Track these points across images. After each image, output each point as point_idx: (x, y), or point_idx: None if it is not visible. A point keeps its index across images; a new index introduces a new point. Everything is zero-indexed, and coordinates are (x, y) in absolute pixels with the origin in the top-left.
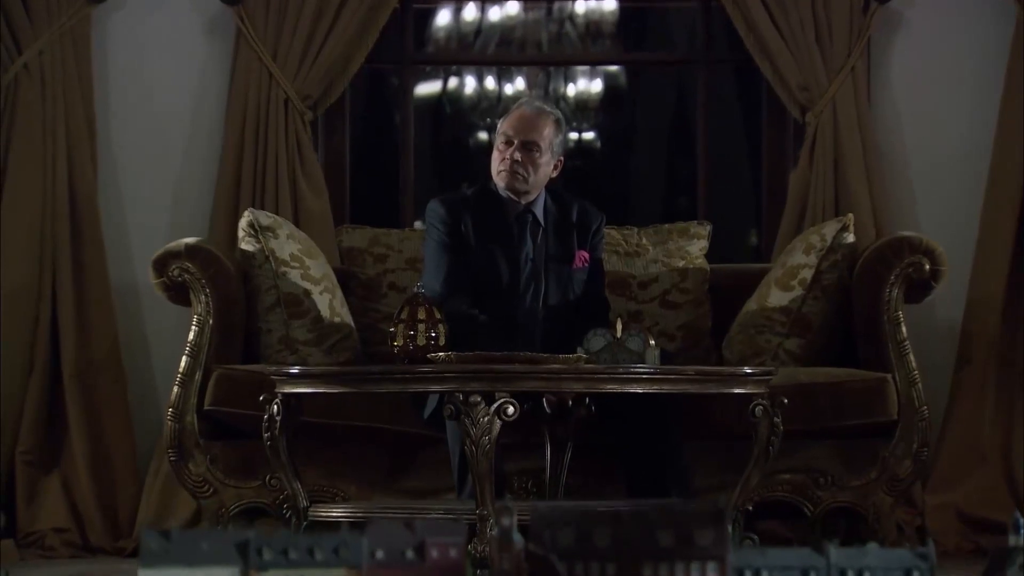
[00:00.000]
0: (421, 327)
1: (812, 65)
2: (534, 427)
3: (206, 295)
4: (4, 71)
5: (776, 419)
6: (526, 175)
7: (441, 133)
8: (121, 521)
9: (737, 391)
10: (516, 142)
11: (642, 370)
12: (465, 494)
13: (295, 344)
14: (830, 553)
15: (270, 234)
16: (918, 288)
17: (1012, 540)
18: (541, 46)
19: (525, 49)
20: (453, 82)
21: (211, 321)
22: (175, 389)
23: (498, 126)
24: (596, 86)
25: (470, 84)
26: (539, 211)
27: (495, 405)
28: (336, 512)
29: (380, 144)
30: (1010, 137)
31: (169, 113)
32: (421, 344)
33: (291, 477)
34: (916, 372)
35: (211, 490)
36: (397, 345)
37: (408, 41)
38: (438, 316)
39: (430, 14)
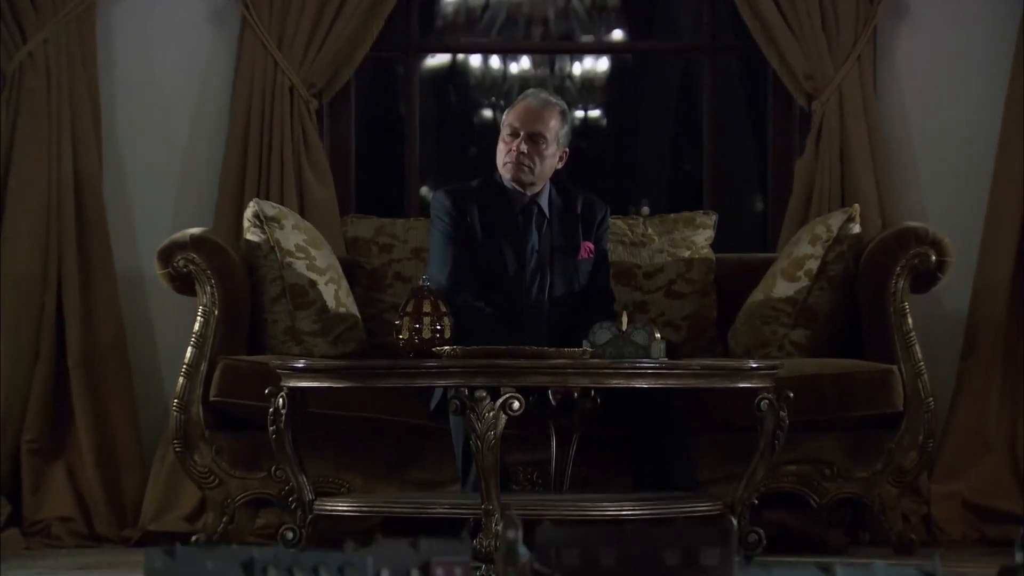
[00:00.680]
0: (426, 320)
1: (818, 53)
2: (539, 419)
3: (211, 286)
4: (9, 59)
5: (782, 413)
6: (532, 167)
7: (446, 109)
8: (127, 510)
9: (743, 385)
10: (522, 134)
11: (647, 365)
12: (469, 485)
13: (300, 335)
14: (836, 571)
15: (275, 224)
16: (924, 279)
17: (1019, 557)
18: (548, 23)
19: (532, 26)
20: (459, 56)
21: (216, 312)
22: (180, 380)
23: (503, 118)
24: (602, 64)
25: (476, 59)
26: (544, 203)
27: (500, 400)
28: (341, 506)
29: (386, 132)
30: (1016, 125)
31: (174, 101)
32: (426, 337)
33: (296, 470)
34: (922, 364)
35: (216, 481)
36: (402, 338)
37: (413, 29)
38: (443, 309)
39: (435, 1)
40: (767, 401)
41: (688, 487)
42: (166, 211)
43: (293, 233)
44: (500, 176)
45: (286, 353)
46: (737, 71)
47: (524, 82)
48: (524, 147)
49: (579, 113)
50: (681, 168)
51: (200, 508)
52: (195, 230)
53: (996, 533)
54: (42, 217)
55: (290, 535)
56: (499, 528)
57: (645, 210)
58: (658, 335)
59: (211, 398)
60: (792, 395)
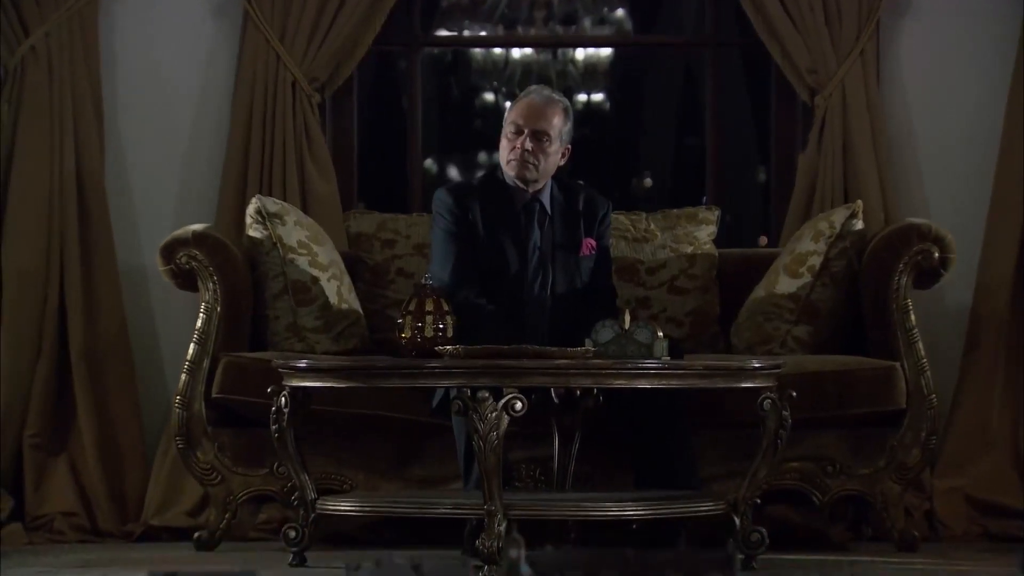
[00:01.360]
0: (429, 319)
1: (821, 48)
2: (542, 416)
3: (214, 283)
4: (11, 54)
5: (785, 412)
6: (536, 164)
7: (449, 91)
8: (129, 505)
9: (746, 385)
10: (526, 131)
11: (650, 365)
12: (471, 483)
13: (303, 331)
14: None
15: (278, 221)
16: (927, 276)
17: None
18: (551, 5)
19: (535, 8)
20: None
21: (219, 309)
22: (183, 377)
23: (506, 115)
24: (605, 49)
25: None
26: (546, 200)
27: (503, 401)
28: (344, 506)
29: (388, 127)
30: (1019, 120)
31: (176, 95)
32: (429, 336)
33: (299, 469)
34: (925, 360)
35: (219, 478)
36: (405, 337)
37: (416, 23)
38: (446, 308)
39: None
40: (770, 401)
41: (690, 485)
42: (168, 205)
43: (295, 229)
44: (502, 173)
45: (288, 349)
46: (740, 65)
47: (526, 66)
48: (529, 144)
49: (582, 97)
50: (684, 143)
51: (203, 503)
52: (197, 226)
53: (999, 528)
54: (44, 211)
55: (292, 534)
56: (501, 529)
57: (648, 182)
58: (660, 333)
59: (213, 395)
60: (795, 394)
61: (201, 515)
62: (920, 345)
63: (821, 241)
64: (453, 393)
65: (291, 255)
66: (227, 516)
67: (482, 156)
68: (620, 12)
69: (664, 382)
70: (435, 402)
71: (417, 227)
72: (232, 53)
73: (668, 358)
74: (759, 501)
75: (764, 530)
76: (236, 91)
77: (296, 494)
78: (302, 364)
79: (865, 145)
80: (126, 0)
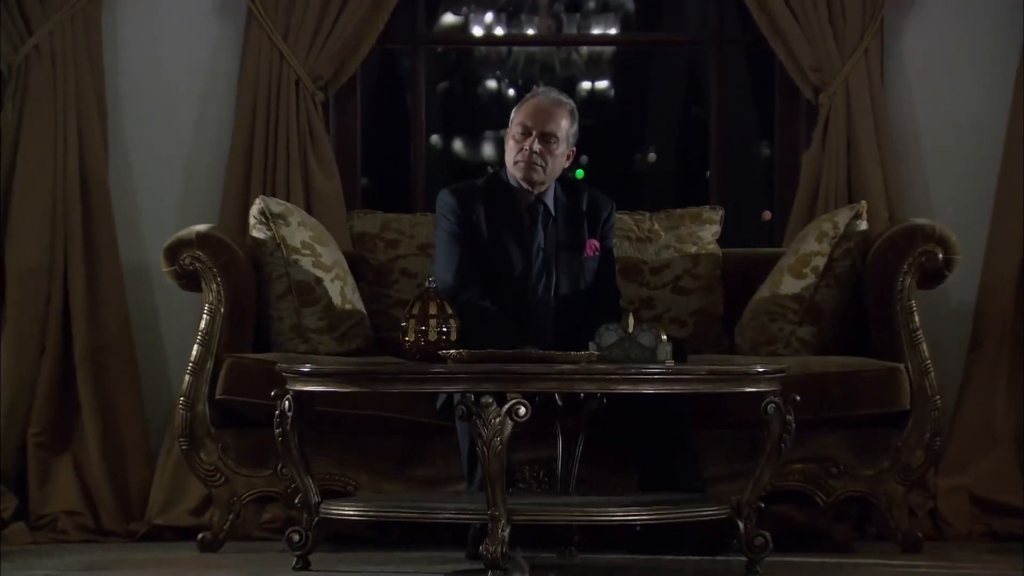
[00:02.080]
0: (432, 322)
1: (825, 46)
2: (545, 418)
3: (217, 284)
4: (15, 52)
5: (788, 416)
6: (544, 166)
7: (451, 79)
8: (133, 504)
9: (749, 390)
10: (534, 133)
11: (654, 370)
12: (475, 485)
13: (306, 332)
14: None
15: (281, 222)
16: (931, 276)
17: None
18: None
19: None
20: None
21: (222, 309)
22: (186, 378)
23: (512, 116)
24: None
25: (481, 31)
26: (550, 201)
27: (507, 406)
28: (348, 510)
29: (392, 126)
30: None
31: (180, 94)
32: (432, 339)
33: (302, 472)
34: (929, 361)
35: (223, 478)
36: (408, 341)
37: (420, 22)
38: (449, 311)
39: None
40: (774, 405)
41: (694, 487)
42: (172, 203)
43: (299, 230)
44: (505, 174)
45: (292, 350)
46: (744, 63)
47: (530, 55)
48: (537, 146)
49: (586, 85)
50: (689, 113)
51: (206, 501)
52: (201, 227)
53: (1003, 527)
54: (48, 210)
55: (296, 538)
56: (505, 534)
57: (652, 156)
58: (664, 336)
59: (217, 396)
60: (799, 398)
61: (205, 513)
62: (924, 346)
63: (825, 242)
64: (457, 398)
65: (295, 256)
66: (231, 517)
67: (487, 151)
68: None
69: (668, 387)
70: (439, 404)
71: (421, 227)
72: (235, 52)
73: (672, 361)
74: (763, 504)
75: (768, 534)
76: (239, 89)
77: (299, 497)
78: (306, 369)
79: (869, 143)
80: None
